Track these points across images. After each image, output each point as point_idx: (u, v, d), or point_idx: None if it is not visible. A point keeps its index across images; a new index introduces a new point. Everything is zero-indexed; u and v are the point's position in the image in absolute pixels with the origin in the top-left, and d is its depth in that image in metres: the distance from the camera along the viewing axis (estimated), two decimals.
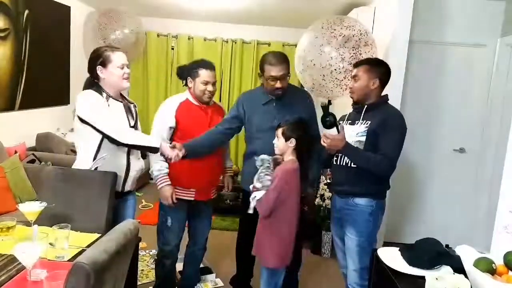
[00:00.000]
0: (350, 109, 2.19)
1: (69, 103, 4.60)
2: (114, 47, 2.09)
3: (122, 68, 2.00)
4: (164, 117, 2.29)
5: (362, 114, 2.04)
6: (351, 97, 2.13)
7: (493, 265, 1.42)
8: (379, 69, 2.05)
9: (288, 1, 4.08)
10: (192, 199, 2.36)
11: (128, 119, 2.07)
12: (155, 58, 5.34)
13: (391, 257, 1.62)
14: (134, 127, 2.10)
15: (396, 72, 2.77)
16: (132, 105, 2.16)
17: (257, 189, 1.97)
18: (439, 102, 3.56)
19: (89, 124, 1.88)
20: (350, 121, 2.11)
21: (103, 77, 1.99)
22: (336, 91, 2.93)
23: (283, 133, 2.02)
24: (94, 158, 1.94)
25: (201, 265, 2.79)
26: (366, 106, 2.04)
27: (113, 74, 1.98)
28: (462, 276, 1.38)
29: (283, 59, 2.25)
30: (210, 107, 2.39)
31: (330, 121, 1.98)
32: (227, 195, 4.06)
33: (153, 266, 2.77)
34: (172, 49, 5.36)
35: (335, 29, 2.84)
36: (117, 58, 1.99)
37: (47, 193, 1.93)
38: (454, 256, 1.56)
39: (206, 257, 2.83)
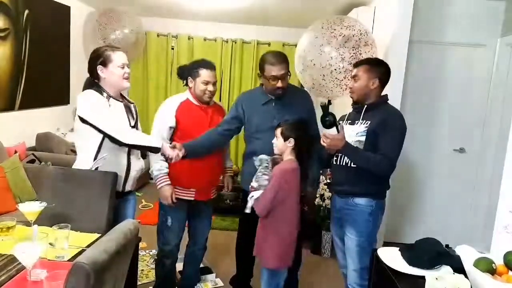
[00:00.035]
0: (350, 109, 2.19)
1: (69, 103, 4.60)
2: (114, 46, 2.09)
3: (123, 67, 2.00)
4: (164, 117, 2.29)
5: (362, 114, 2.04)
6: (351, 97, 2.13)
7: (493, 265, 1.42)
8: (379, 69, 2.05)
9: (288, 1, 4.08)
10: (192, 199, 2.36)
11: (129, 119, 2.06)
12: (155, 58, 5.34)
13: (391, 257, 1.62)
14: (135, 127, 2.10)
15: (396, 72, 2.77)
16: (132, 105, 2.16)
17: (255, 189, 1.97)
18: (439, 102, 3.56)
19: (90, 124, 1.87)
20: (350, 121, 2.11)
21: (103, 77, 1.98)
22: (336, 91, 2.93)
23: (282, 133, 2.02)
24: (95, 158, 1.94)
25: (201, 265, 2.79)
26: (366, 106, 2.04)
27: (113, 73, 1.98)
28: (462, 276, 1.38)
29: (283, 59, 2.26)
30: (211, 107, 2.39)
31: (330, 120, 1.98)
32: (227, 195, 4.06)
33: (153, 266, 2.77)
34: (172, 49, 5.36)
35: (335, 29, 2.84)
36: (118, 58, 1.99)
37: (47, 193, 1.93)
38: (454, 256, 1.56)
39: (206, 257, 2.83)
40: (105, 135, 1.89)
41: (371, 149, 1.94)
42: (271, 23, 5.21)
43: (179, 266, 2.67)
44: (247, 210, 2.01)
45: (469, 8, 3.40)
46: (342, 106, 2.91)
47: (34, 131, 3.95)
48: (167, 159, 2.14)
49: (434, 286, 1.32)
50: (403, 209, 3.69)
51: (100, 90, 1.97)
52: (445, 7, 3.43)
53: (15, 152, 3.36)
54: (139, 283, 2.69)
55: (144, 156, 2.28)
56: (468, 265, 1.41)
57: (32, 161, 3.48)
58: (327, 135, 1.93)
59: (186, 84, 2.38)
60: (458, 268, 1.46)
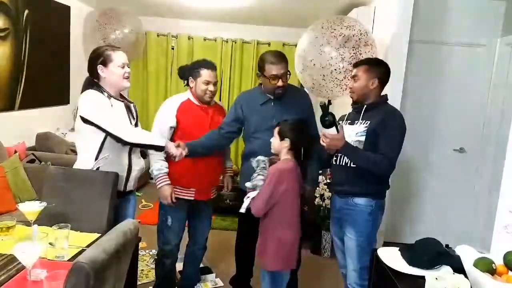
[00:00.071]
0: (349, 109, 2.19)
1: (69, 103, 4.60)
2: (114, 46, 2.09)
3: (123, 67, 2.00)
4: (165, 117, 2.29)
5: (362, 114, 2.04)
6: (351, 97, 2.13)
7: (493, 265, 1.42)
8: (379, 69, 2.05)
9: (288, 1, 4.08)
10: (192, 198, 2.36)
11: (129, 119, 2.06)
12: (155, 58, 5.34)
13: (391, 257, 1.62)
14: (135, 126, 2.10)
15: (396, 72, 2.78)
16: (132, 105, 2.15)
17: (251, 189, 1.96)
18: (439, 102, 3.56)
19: (93, 124, 1.86)
20: (349, 121, 2.11)
21: (103, 76, 1.98)
22: (336, 91, 2.93)
23: (279, 132, 2.02)
24: (96, 158, 1.93)
25: (201, 265, 2.79)
26: (365, 106, 2.04)
27: (114, 73, 1.98)
28: (462, 276, 1.38)
29: (282, 58, 2.26)
30: (211, 107, 2.39)
31: (329, 120, 1.97)
32: (227, 195, 4.06)
33: (153, 266, 2.77)
34: (172, 49, 5.36)
35: (335, 29, 2.84)
36: (118, 57, 1.99)
37: (48, 193, 1.93)
38: (454, 256, 1.56)
39: (206, 257, 2.83)
40: (109, 134, 1.88)
41: (370, 149, 1.94)
42: (271, 23, 5.21)
43: (179, 266, 2.67)
44: (242, 210, 1.99)
45: (469, 8, 3.40)
46: (342, 106, 2.90)
47: (34, 131, 3.94)
48: (170, 158, 2.14)
49: (434, 286, 1.32)
50: (403, 209, 3.69)
51: (100, 90, 1.97)
52: (445, 7, 3.43)
53: (15, 152, 3.36)
54: (139, 283, 2.69)
55: (144, 155, 2.28)
56: (468, 265, 1.41)
57: (32, 161, 3.48)
58: (326, 135, 1.93)
59: (187, 84, 2.38)
60: (458, 268, 1.46)
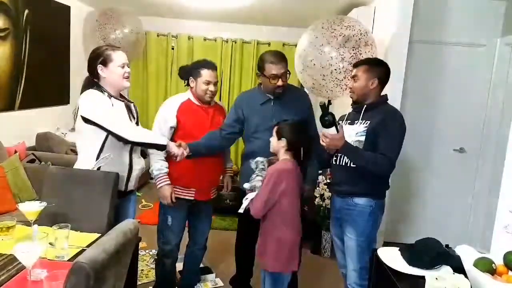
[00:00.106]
0: (349, 109, 2.19)
1: (69, 103, 4.60)
2: (114, 46, 2.09)
3: (123, 67, 2.00)
4: (166, 117, 2.29)
5: (362, 114, 2.04)
6: (351, 97, 2.13)
7: (493, 265, 1.42)
8: (379, 69, 2.05)
9: (288, 1, 4.08)
10: (192, 198, 2.36)
11: (130, 119, 2.06)
12: (155, 58, 5.34)
13: (391, 257, 1.62)
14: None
15: (396, 72, 2.78)
16: (132, 104, 2.15)
17: (250, 190, 1.96)
18: (439, 102, 3.56)
19: (94, 124, 1.86)
20: (349, 121, 2.11)
21: (103, 76, 1.98)
22: (336, 91, 2.93)
23: (277, 132, 2.02)
24: (97, 158, 1.93)
25: (201, 265, 2.79)
26: (365, 106, 2.05)
27: (114, 73, 1.98)
28: (462, 276, 1.38)
29: (282, 57, 2.27)
30: (212, 107, 2.39)
31: (329, 120, 1.97)
32: (227, 195, 4.06)
33: (153, 265, 2.77)
34: (172, 49, 5.36)
35: (335, 29, 2.84)
36: (118, 57, 1.99)
37: (48, 193, 1.93)
38: (454, 256, 1.56)
39: (206, 257, 2.83)
40: (111, 133, 1.87)
41: (370, 149, 1.94)
42: (271, 23, 5.21)
43: (179, 266, 2.67)
44: (241, 210, 1.99)
45: (469, 8, 3.40)
46: (342, 106, 2.90)
47: (34, 131, 3.94)
48: (170, 158, 2.14)
49: (434, 286, 1.32)
50: (403, 209, 3.69)
51: (100, 89, 1.97)
52: (445, 7, 3.43)
53: (15, 152, 3.36)
54: (139, 283, 2.69)
55: (144, 155, 2.28)
56: (468, 265, 1.41)
57: (32, 161, 3.48)
58: (326, 135, 1.93)
59: (188, 84, 2.38)
60: (458, 268, 1.47)
